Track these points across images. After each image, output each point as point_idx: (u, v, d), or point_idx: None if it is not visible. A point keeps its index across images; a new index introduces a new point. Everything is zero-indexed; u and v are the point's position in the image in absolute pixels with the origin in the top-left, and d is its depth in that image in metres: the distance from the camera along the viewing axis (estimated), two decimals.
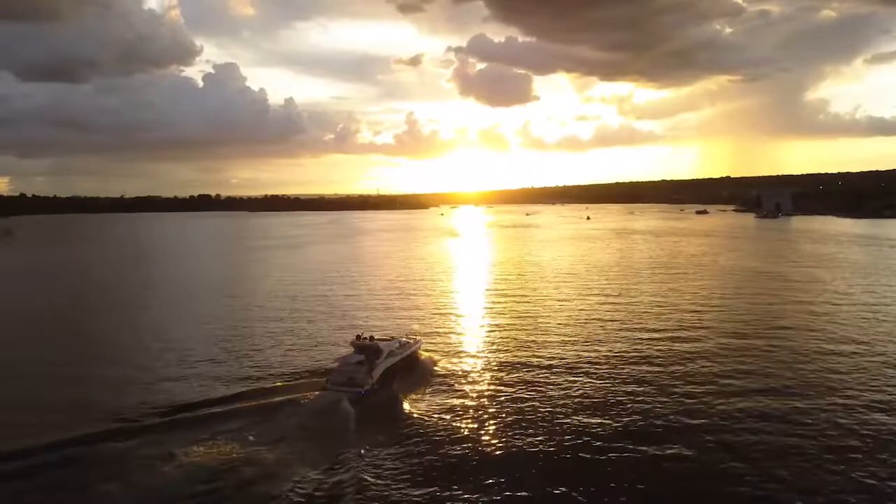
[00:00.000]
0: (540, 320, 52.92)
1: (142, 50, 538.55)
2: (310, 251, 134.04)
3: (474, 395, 34.65)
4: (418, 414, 31.49)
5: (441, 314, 56.93)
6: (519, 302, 62.07)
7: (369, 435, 28.37)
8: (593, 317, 53.67)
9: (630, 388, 34.59)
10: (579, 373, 37.66)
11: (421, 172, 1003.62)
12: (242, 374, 38.48)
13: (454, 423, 30.09)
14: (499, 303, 62.29)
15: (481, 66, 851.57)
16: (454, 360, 42.00)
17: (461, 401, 33.48)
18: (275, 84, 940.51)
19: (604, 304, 59.78)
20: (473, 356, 42.93)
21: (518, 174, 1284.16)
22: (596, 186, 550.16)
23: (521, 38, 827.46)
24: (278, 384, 36.08)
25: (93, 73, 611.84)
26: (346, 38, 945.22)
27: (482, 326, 52.03)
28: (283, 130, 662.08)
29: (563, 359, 40.90)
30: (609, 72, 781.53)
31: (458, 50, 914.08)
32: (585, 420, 30.09)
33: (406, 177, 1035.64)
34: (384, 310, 59.47)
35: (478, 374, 38.83)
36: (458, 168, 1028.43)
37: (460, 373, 39.04)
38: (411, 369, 38.61)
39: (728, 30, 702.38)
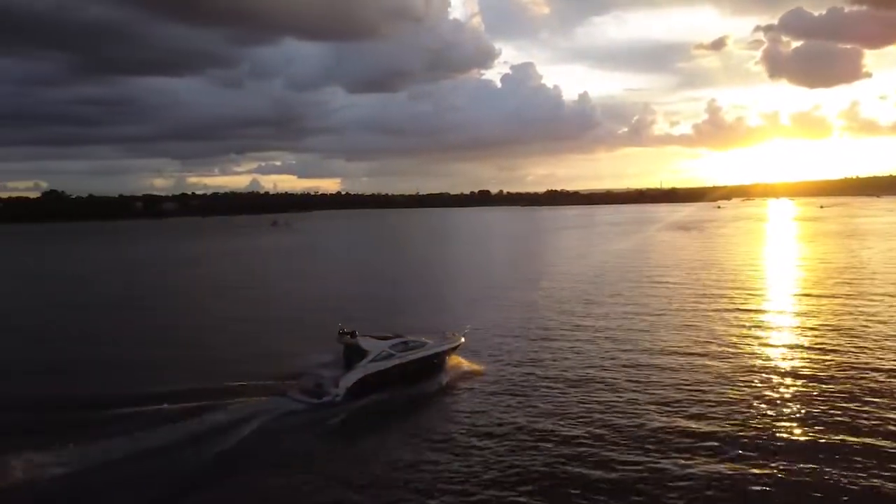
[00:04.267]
0: (661, 338, 41.04)
1: (447, 57, 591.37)
2: (477, 244, 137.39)
3: (481, 437, 25.70)
4: (353, 453, 24.85)
5: (533, 317, 49.04)
6: (634, 311, 50.25)
7: (228, 472, 22.87)
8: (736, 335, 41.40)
9: None
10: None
11: (724, 163, 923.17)
12: (232, 367, 34.80)
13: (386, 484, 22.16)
14: (606, 309, 51.20)
15: (797, 43, 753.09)
16: (504, 373, 33.95)
17: (450, 445, 24.95)
18: (569, 80, 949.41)
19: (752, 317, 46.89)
20: (538, 373, 33.76)
21: (842, 163, 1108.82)
22: None
23: (847, 8, 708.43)
24: (237, 383, 31.04)
25: (406, 82, 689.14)
26: (643, 27, 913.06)
27: (578, 337, 41.64)
28: (577, 126, 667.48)
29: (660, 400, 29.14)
30: None
31: (767, 28, 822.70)
32: None
33: (707, 168, 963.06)
34: (466, 303, 56.18)
35: (526, 402, 29.36)
36: (766, 158, 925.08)
37: (496, 395, 30.54)
38: (425, 378, 31.65)
39: None
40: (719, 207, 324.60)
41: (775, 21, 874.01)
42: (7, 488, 21.28)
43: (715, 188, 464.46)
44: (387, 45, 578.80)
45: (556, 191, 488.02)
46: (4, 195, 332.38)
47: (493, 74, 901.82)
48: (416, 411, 29.59)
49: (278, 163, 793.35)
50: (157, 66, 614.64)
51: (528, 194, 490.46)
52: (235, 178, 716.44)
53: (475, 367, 34.80)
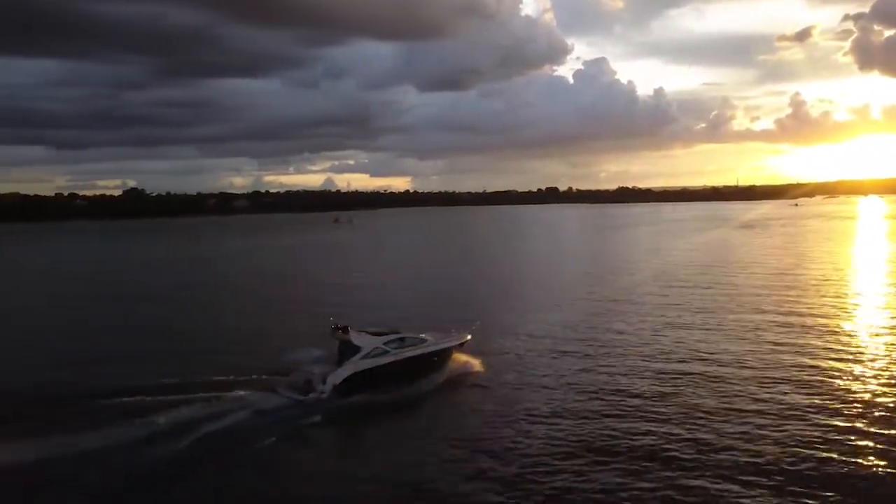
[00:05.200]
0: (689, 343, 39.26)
1: (519, 54, 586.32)
2: (522, 242, 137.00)
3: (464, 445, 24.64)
4: (315, 453, 25.00)
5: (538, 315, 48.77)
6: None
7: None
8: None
9: None
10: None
11: (809, 160, 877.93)
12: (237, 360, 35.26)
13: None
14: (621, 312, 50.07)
15: (890, 32, 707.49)
16: (509, 373, 33.20)
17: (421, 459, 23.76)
18: (644, 75, 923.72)
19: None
20: (545, 376, 32.88)
21: None
22: None
23: None
24: (231, 378, 31.41)
25: (477, 79, 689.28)
26: (723, 19, 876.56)
27: (593, 340, 40.45)
28: (652, 121, 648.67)
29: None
30: None
31: (857, 17, 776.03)
32: None
33: (791, 165, 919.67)
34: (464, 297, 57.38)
35: (523, 407, 28.31)
36: (855, 153, 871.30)
37: (494, 397, 29.96)
38: (423, 375, 30.96)
39: None
40: (797, 205, 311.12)
41: (866, 9, 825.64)
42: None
43: (797, 185, 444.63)
44: (458, 43, 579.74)
45: (626, 188, 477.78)
46: (90, 193, 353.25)
47: (566, 70, 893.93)
48: (401, 411, 28.87)
49: (351, 162, 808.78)
50: (235, 69, 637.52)
51: (597, 192, 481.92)
52: (310, 177, 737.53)
53: (480, 365, 33.87)
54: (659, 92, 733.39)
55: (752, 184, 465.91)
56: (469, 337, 34.31)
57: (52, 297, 67.66)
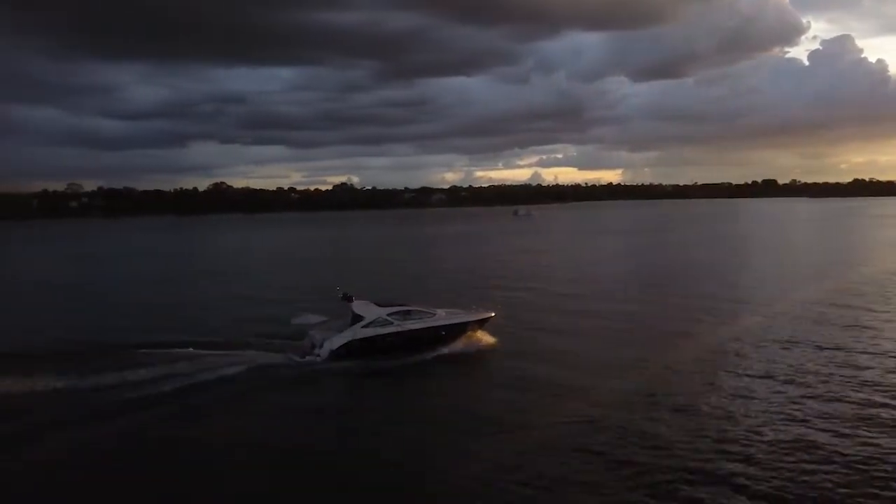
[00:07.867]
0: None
1: (745, 36, 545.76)
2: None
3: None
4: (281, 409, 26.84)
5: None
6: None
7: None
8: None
9: None
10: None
11: None
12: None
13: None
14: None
15: None
16: (516, 357, 32.99)
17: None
18: None
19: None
20: (554, 365, 31.80)
21: None
22: None
23: None
24: (256, 339, 35.20)
25: (695, 66, 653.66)
26: None
27: (624, 335, 39.07)
28: None
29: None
30: None
31: None
32: None
33: None
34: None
35: (516, 394, 27.80)
36: None
37: (488, 377, 30.71)
38: (428, 348, 32.43)
39: None
40: None
41: None
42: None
43: None
44: (674, 28, 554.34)
45: (861, 180, 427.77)
46: (312, 188, 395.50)
47: (800, 52, 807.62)
48: (379, 379, 30.61)
49: (560, 155, 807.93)
50: (450, 67, 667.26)
51: (824, 184, 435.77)
52: (518, 172, 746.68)
53: (491, 343, 34.89)
54: None
55: None
56: (492, 314, 35.47)
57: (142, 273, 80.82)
